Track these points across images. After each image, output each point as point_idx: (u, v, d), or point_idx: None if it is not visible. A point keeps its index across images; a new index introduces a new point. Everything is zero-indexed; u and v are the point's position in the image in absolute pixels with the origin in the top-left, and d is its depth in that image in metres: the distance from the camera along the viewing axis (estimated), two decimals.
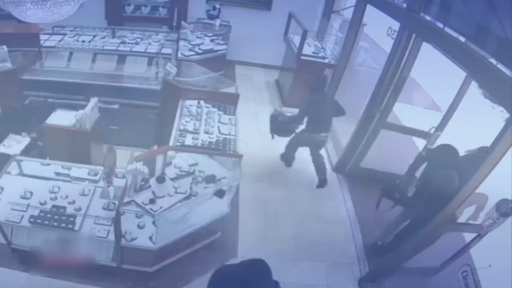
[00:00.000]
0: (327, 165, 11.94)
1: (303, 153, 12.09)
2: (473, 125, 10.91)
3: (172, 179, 8.41)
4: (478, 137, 8.27)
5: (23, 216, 7.60)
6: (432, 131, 10.45)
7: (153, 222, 7.84)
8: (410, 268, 8.60)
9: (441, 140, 10.23)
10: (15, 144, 9.40)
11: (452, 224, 7.59)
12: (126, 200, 7.78)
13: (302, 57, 14.48)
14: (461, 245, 8.03)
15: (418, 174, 9.20)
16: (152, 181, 8.17)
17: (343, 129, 12.45)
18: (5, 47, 11.16)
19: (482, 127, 9.98)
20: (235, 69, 16.98)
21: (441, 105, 12.09)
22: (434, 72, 10.67)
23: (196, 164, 8.97)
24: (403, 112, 12.33)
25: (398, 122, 11.32)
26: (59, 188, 8.07)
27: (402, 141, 11.55)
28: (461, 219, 7.94)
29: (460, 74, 9.18)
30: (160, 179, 8.12)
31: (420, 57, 9.70)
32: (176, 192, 8.12)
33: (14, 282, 8.05)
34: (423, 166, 9.07)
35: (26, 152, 9.51)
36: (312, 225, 10.29)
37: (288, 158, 12.38)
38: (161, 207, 7.81)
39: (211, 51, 14.22)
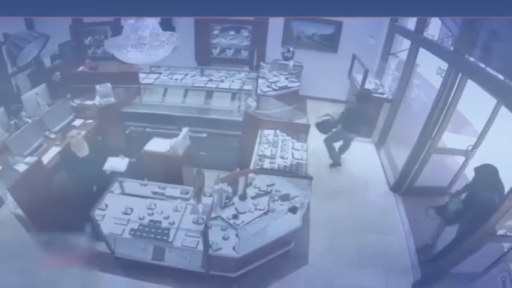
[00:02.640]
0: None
1: (363, 177, 12.24)
2: (505, 144, 10.71)
3: (253, 197, 8.41)
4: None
5: (124, 229, 7.83)
6: (469, 148, 10.48)
7: (236, 235, 7.92)
8: (456, 273, 8.40)
9: (477, 158, 10.35)
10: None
11: (493, 236, 7.44)
12: (213, 215, 7.89)
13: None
14: (500, 253, 7.81)
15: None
16: (235, 199, 8.24)
17: (399, 155, 12.29)
18: (109, 84, 11.51)
19: None
20: (306, 103, 16.82)
21: (476, 126, 11.85)
22: (470, 98, 10.48)
23: (273, 185, 8.95)
24: (450, 139, 12.15)
25: (443, 144, 11.13)
26: (155, 205, 8.23)
27: (446, 157, 11.45)
28: (501, 231, 7.75)
29: (492, 101, 9.04)
30: (243, 197, 8.16)
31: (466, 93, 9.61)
32: (256, 209, 8.16)
33: (117, 287, 8.26)
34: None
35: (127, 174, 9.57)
36: (372, 237, 10.15)
37: (333, 155, 12.94)
38: (243, 222, 7.90)
39: (285, 87, 14.16)
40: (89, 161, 8.56)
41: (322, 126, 12.03)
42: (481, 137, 10.26)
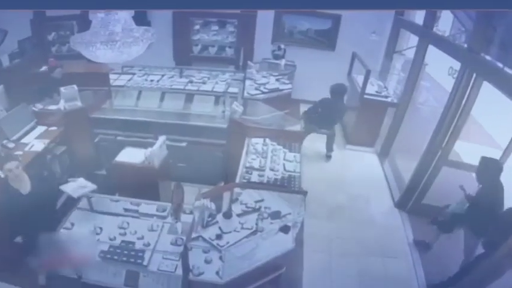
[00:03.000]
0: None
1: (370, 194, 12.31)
2: None
3: (239, 215, 8.40)
4: None
5: None
6: None
7: (220, 257, 7.75)
8: None
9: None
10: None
11: None
12: (193, 235, 7.84)
13: (365, 96, 14.29)
14: None
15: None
16: (219, 217, 8.22)
17: (405, 167, 12.34)
18: (75, 86, 11.41)
19: None
20: (299, 108, 16.75)
21: (499, 141, 11.87)
22: (492, 108, 10.48)
23: (262, 201, 8.88)
24: (463, 149, 12.18)
25: (459, 158, 11.14)
26: (128, 223, 8.16)
27: (462, 175, 11.10)
28: None
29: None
30: (227, 215, 8.18)
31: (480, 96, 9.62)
32: (242, 228, 8.10)
33: None
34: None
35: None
36: (375, 260, 10.13)
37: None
38: (228, 243, 7.81)
39: (276, 90, 13.97)
40: (34, 199, 7.87)
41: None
42: (507, 152, 9.96)
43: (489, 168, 8.58)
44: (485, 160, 8.70)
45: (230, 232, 7.99)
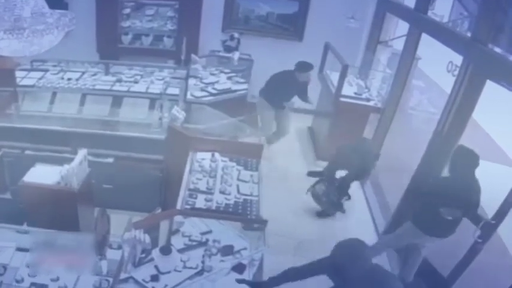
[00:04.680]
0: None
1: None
2: None
3: (180, 251, 8.31)
4: None
5: None
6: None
7: None
8: None
9: None
10: None
11: None
12: (122, 276, 7.69)
13: (341, 99, 14.30)
14: None
15: None
16: (155, 253, 8.00)
17: (390, 187, 12.41)
18: None
19: None
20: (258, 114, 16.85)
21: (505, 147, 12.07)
22: (504, 116, 10.61)
23: (209, 232, 8.86)
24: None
25: None
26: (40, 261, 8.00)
27: None
28: None
29: None
30: (166, 250, 7.97)
31: (490, 101, 9.71)
32: (185, 267, 7.99)
33: None
34: None
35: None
36: None
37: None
38: (166, 286, 7.65)
39: (228, 91, 14.01)
40: None
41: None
42: None
43: (464, 159, 9.06)
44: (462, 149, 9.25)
45: (169, 272, 7.87)
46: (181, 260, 8.05)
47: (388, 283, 7.19)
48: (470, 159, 8.95)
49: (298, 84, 13.75)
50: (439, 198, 9.01)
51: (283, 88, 13.78)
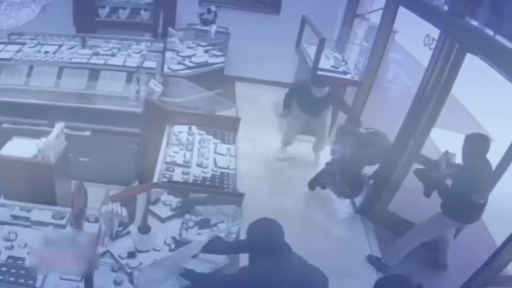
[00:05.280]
0: None
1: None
2: None
3: (162, 220, 8.38)
4: None
5: None
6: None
7: (131, 281, 7.49)
8: None
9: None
10: None
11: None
12: (99, 250, 7.59)
13: (319, 73, 14.26)
14: None
15: None
16: (133, 230, 7.92)
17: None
18: None
19: None
20: (235, 87, 16.90)
21: (494, 134, 12.08)
22: (486, 94, 10.63)
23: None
24: (443, 139, 12.34)
25: (439, 152, 11.25)
26: (16, 234, 7.98)
27: None
28: None
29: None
30: (144, 229, 7.86)
31: (468, 75, 9.73)
32: (165, 244, 7.95)
33: None
34: None
35: None
36: (330, 282, 10.01)
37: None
38: (141, 263, 7.54)
39: (205, 64, 13.99)
40: None
41: None
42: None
43: (481, 145, 9.28)
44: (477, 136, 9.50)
45: (148, 251, 7.81)
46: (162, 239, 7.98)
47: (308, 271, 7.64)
48: (487, 144, 9.24)
49: (318, 99, 13.24)
50: (468, 186, 9.22)
51: (306, 104, 13.43)
